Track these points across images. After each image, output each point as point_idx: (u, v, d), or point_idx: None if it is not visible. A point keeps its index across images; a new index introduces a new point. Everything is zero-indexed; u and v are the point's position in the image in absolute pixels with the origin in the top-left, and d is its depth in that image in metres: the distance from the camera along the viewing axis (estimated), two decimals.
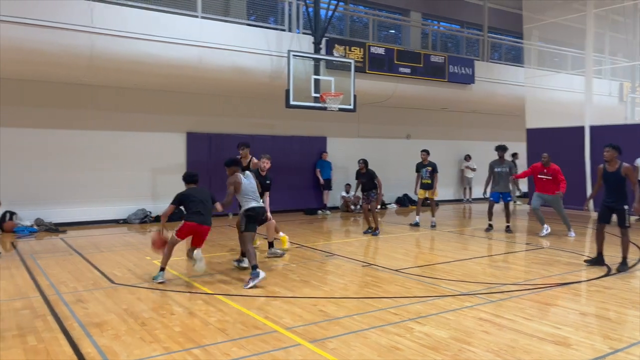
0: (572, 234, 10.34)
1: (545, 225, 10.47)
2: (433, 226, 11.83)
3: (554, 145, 14.91)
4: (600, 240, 7.59)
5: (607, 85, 18.47)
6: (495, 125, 18.82)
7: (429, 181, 11.77)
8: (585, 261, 7.84)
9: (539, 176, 10.43)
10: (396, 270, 7.32)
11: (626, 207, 7.37)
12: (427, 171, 11.79)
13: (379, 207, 15.12)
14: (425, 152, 12.01)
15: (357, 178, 11.23)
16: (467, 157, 18.02)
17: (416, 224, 11.94)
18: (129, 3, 10.42)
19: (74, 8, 9.48)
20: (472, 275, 7.04)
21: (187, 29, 10.63)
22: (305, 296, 5.96)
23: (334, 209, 15.13)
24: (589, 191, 13.94)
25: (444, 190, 17.76)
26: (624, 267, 7.33)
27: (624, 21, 17.57)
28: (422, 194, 12.01)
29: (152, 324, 4.96)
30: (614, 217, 7.49)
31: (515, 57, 19.58)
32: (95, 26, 9.60)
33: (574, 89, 15.60)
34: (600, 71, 18.09)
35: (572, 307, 5.59)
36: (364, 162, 10.86)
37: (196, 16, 10.99)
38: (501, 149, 11.08)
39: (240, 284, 6.47)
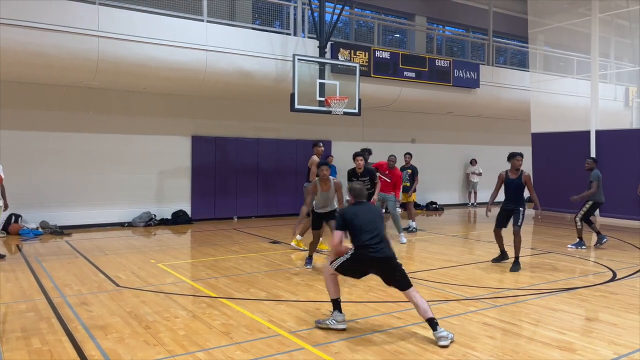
0: (404, 239, 10.13)
1: (401, 234, 10.31)
2: (411, 230, 11.51)
3: (559, 150, 14.92)
4: (499, 240, 8.15)
5: (613, 90, 18.40)
6: (501, 129, 18.78)
7: (408, 184, 11.73)
8: (492, 260, 8.20)
9: (381, 176, 10.29)
10: None
11: (521, 209, 7.87)
12: (407, 174, 11.78)
13: (383, 210, 15.22)
14: (409, 155, 12.11)
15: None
16: (473, 162, 17.98)
17: (407, 228, 11.63)
18: (135, 7, 10.48)
19: (80, 12, 9.56)
20: (476, 279, 7.02)
21: (192, 33, 10.69)
22: (309, 300, 5.96)
23: None
24: None
25: (450, 194, 17.77)
26: (516, 266, 7.63)
27: (630, 26, 17.50)
28: (403, 197, 11.92)
29: (156, 327, 4.97)
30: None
31: (521, 62, 19.55)
32: (101, 30, 9.68)
33: (580, 93, 15.56)
34: (606, 76, 18.03)
35: (577, 312, 5.56)
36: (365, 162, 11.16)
37: (202, 20, 11.05)
38: (367, 152, 10.89)
39: (243, 288, 6.47)
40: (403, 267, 4.91)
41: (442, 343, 4.49)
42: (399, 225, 10.40)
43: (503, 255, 8.19)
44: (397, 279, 4.86)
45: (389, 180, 10.27)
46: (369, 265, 4.93)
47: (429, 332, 4.81)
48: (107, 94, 11.93)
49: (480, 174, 17.81)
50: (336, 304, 5.03)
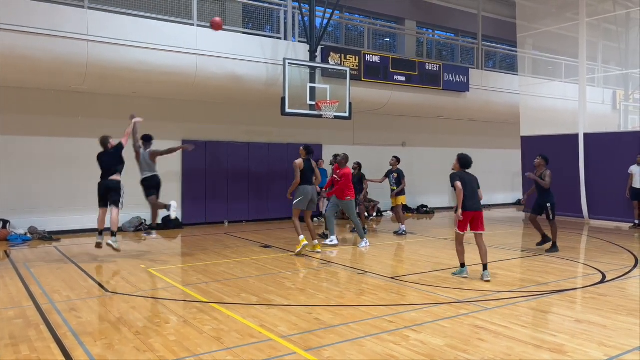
0: (363, 243, 9.98)
1: (333, 237, 10.16)
2: (401, 233, 11.55)
3: (548, 153, 14.86)
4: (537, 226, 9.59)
5: (601, 93, 18.61)
6: (490, 133, 18.91)
7: (394, 187, 11.74)
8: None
9: (334, 176, 10.34)
10: (392, 278, 7.31)
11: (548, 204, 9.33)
12: (393, 177, 11.81)
13: (374, 214, 15.24)
14: (395, 158, 12.08)
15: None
16: None
17: (397, 232, 11.77)
18: (125, 11, 10.44)
19: (69, 16, 9.51)
20: (467, 282, 7.03)
21: (183, 37, 10.67)
22: (301, 304, 5.95)
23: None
24: (584, 198, 14.00)
25: (440, 197, 17.83)
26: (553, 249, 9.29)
27: (617, 30, 17.76)
28: (392, 201, 11.94)
29: (146, 332, 4.93)
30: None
31: (510, 66, 19.72)
32: (91, 34, 9.63)
33: (568, 97, 15.71)
34: (594, 79, 18.24)
35: (567, 314, 5.59)
36: (358, 165, 11.65)
37: (192, 24, 11.02)
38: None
39: (234, 293, 6.44)
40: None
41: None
42: (360, 231, 10.17)
43: (544, 240, 9.43)
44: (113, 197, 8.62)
45: (339, 179, 10.13)
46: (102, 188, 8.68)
47: (420, 335, 4.81)
48: (96, 99, 11.85)
49: None
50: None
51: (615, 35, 17.87)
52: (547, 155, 9.78)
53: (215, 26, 9.16)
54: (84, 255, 9.07)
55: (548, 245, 9.42)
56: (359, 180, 11.50)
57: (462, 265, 7.29)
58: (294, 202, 9.20)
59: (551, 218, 9.32)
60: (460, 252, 7.27)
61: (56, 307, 5.79)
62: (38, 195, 11.24)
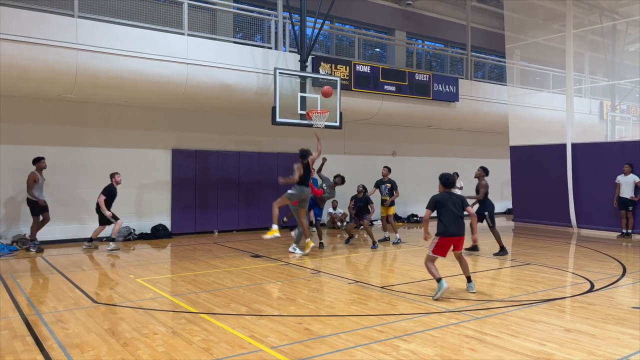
0: (298, 250, 10.12)
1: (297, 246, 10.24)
2: (395, 242, 11.66)
3: (536, 162, 15.18)
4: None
5: (588, 104, 18.84)
6: (480, 142, 19.05)
7: (387, 198, 11.75)
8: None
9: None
10: (382, 288, 7.31)
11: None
12: (386, 187, 11.82)
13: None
14: (387, 168, 12.10)
15: (352, 200, 11.72)
16: (455, 175, 18.13)
17: (384, 239, 11.93)
18: (115, 20, 10.43)
19: (58, 24, 9.47)
20: (457, 292, 7.04)
21: (173, 47, 10.67)
22: (291, 314, 5.92)
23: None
24: (572, 207, 14.12)
25: None
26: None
27: (603, 41, 18.02)
28: (383, 211, 11.96)
29: (134, 344, 4.87)
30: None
31: (498, 76, 19.92)
32: (80, 43, 9.60)
33: (556, 107, 15.90)
34: (581, 90, 18.47)
35: (556, 323, 5.61)
36: (364, 188, 11.57)
37: (182, 34, 11.03)
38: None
39: (224, 303, 6.40)
40: None
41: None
42: (299, 238, 10.29)
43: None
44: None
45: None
46: None
47: (411, 345, 4.81)
48: (86, 107, 11.79)
49: (461, 188, 17.94)
50: None
51: (602, 47, 18.13)
52: (487, 167, 10.48)
53: (326, 94, 10.82)
54: (71, 265, 8.97)
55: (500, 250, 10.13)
56: (365, 203, 11.41)
57: (439, 280, 6.53)
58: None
59: (491, 225, 10.18)
60: (432, 269, 6.63)
61: (43, 318, 5.72)
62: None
